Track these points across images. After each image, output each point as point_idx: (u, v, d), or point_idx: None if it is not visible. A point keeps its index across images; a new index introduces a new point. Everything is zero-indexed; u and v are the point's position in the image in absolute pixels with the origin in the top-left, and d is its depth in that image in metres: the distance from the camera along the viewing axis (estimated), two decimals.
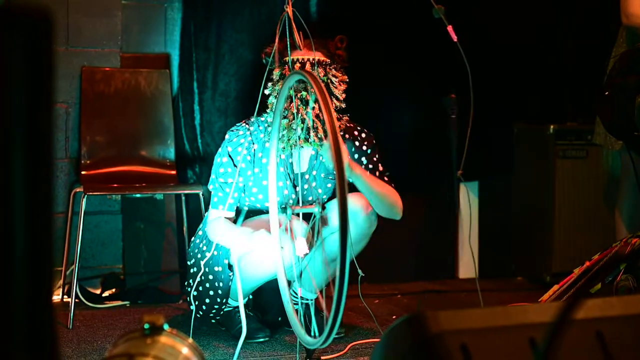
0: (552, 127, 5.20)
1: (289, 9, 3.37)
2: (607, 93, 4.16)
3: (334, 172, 3.44)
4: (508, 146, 5.47)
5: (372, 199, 3.74)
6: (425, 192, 5.34)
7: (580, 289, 1.30)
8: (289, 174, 3.86)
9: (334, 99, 3.73)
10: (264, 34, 4.97)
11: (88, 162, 4.72)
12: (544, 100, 5.54)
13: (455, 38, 3.42)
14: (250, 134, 3.86)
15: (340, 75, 3.79)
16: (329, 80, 3.75)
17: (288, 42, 3.48)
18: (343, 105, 3.79)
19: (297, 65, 3.71)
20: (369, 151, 3.93)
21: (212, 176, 3.95)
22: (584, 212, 5.23)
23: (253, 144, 3.85)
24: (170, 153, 4.87)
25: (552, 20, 5.57)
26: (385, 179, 3.90)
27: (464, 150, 3.55)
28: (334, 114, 3.00)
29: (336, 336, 3.80)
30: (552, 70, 5.58)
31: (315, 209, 3.53)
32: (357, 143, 3.93)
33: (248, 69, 5.01)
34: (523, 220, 5.45)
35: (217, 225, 3.81)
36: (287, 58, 3.65)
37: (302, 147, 3.73)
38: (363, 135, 3.95)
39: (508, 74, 5.44)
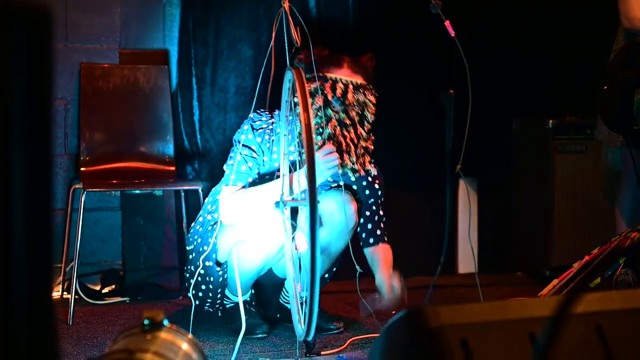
0: (551, 121, 5.21)
1: (286, 5, 3.38)
2: (605, 87, 4.16)
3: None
4: (507, 141, 5.47)
5: (370, 263, 3.89)
6: (425, 188, 5.34)
7: (579, 283, 1.31)
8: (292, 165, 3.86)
9: (365, 122, 3.73)
10: (262, 30, 4.99)
11: (87, 158, 4.72)
12: (542, 94, 5.55)
13: (453, 33, 3.42)
14: (272, 123, 3.84)
15: (373, 98, 3.77)
16: (364, 104, 3.72)
17: (285, 40, 3.47)
18: (370, 147, 3.77)
19: (339, 86, 3.68)
20: (379, 193, 3.94)
21: (233, 152, 3.83)
22: (583, 207, 5.23)
23: (272, 132, 3.82)
24: (169, 149, 4.87)
25: (550, 15, 5.57)
26: (382, 225, 3.95)
27: (462, 145, 3.55)
28: (310, 110, 3.04)
29: (335, 331, 3.82)
30: (550, 64, 5.58)
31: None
32: (369, 179, 3.93)
33: (247, 65, 5.01)
34: (522, 215, 5.46)
35: (238, 195, 3.72)
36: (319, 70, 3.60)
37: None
38: (375, 172, 3.94)
39: (506, 69, 5.45)
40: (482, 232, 5.55)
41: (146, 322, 1.88)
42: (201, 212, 4.01)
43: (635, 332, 2.02)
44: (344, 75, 3.72)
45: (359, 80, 3.73)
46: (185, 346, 1.90)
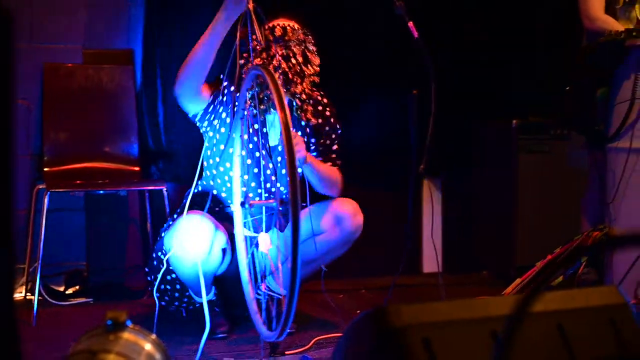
0: (514, 121, 5.24)
1: (250, 5, 3.38)
2: (568, 88, 4.20)
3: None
4: (471, 141, 5.50)
5: (313, 180, 3.82)
6: (389, 188, 5.36)
7: (538, 282, 1.32)
8: (265, 144, 3.87)
9: (310, 65, 3.84)
10: (229, 31, 4.98)
11: (50, 158, 4.69)
12: (506, 95, 5.58)
13: (416, 34, 3.44)
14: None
15: (314, 48, 3.90)
16: (304, 42, 3.85)
17: (250, 40, 3.48)
18: (317, 80, 3.87)
19: (278, 28, 3.83)
20: (332, 120, 3.99)
21: None
22: (547, 206, 5.26)
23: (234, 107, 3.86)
24: (134, 149, 4.85)
25: (517, 17, 5.60)
26: (333, 156, 3.99)
27: (426, 146, 3.57)
28: (287, 109, 3.04)
29: (289, 331, 3.82)
30: (515, 65, 5.61)
31: (273, 203, 3.56)
32: (320, 107, 3.98)
33: (212, 65, 5.00)
34: (487, 215, 5.49)
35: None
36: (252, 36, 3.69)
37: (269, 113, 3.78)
38: (326, 100, 4.02)
39: (471, 69, 5.47)
40: (446, 232, 5.58)
41: (109, 322, 1.88)
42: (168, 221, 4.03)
43: (595, 330, 2.05)
44: (280, 21, 3.89)
45: (294, 24, 3.89)
46: (148, 346, 1.89)
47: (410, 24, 3.48)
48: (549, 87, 5.23)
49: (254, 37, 3.48)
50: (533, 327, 1.90)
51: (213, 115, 3.86)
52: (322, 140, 3.98)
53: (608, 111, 4.08)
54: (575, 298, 2.09)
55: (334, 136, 4.00)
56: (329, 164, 3.95)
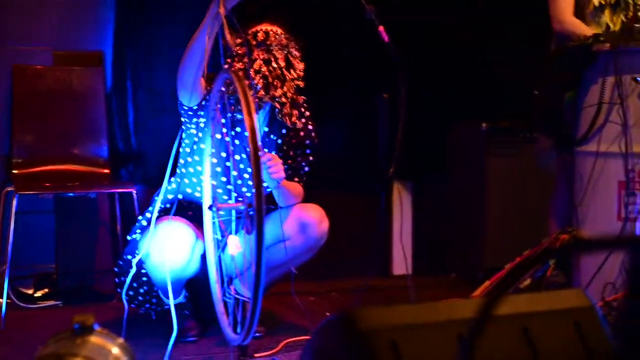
0: (484, 125, 5.26)
1: (222, 11, 3.38)
2: (537, 92, 4.23)
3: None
4: (441, 144, 5.52)
5: (278, 198, 3.86)
6: (359, 191, 5.37)
7: (502, 285, 1.33)
8: (244, 147, 3.87)
9: (292, 69, 3.88)
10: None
11: (20, 160, 4.66)
12: (477, 98, 5.60)
13: (386, 39, 3.45)
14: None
15: (298, 54, 3.93)
16: (287, 46, 3.88)
17: (220, 43, 3.48)
18: (301, 84, 3.89)
19: (261, 33, 3.88)
20: (313, 135, 4.00)
21: None
22: (516, 208, 5.29)
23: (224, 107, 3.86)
24: (104, 151, 4.84)
25: (487, 19, 5.63)
26: (302, 173, 4.00)
27: (396, 149, 3.58)
28: (254, 114, 3.05)
29: (257, 335, 3.82)
30: (485, 69, 5.64)
31: (241, 207, 3.56)
32: (303, 120, 3.98)
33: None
34: (457, 217, 5.51)
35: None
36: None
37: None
38: (308, 113, 4.02)
39: (441, 73, 5.50)
40: (417, 234, 5.59)
41: (76, 326, 1.87)
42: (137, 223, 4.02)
43: (561, 333, 2.06)
44: (263, 26, 3.93)
45: (277, 29, 3.92)
46: (115, 350, 1.89)
47: (381, 28, 3.49)
48: (518, 91, 5.25)
49: (223, 42, 3.48)
50: (499, 330, 1.91)
51: (202, 112, 3.87)
52: (297, 157, 3.98)
53: (576, 115, 4.11)
54: (541, 301, 2.10)
55: (311, 158, 4.01)
56: (296, 179, 3.97)
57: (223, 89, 3.56)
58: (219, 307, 3.51)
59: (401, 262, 5.47)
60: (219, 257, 3.63)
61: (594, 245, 2.11)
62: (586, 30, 4.25)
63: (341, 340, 1.87)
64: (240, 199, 3.85)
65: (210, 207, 3.58)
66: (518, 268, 3.56)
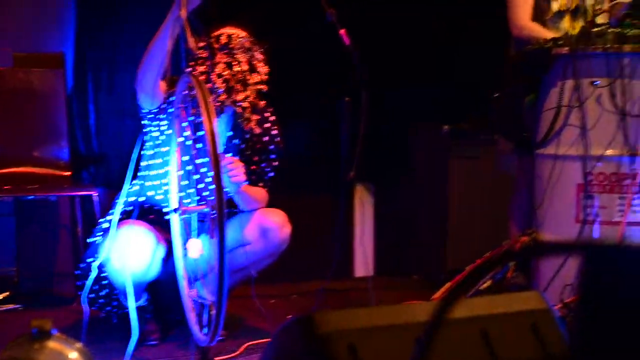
0: (445, 127, 5.29)
1: (183, 13, 3.37)
2: (496, 96, 4.26)
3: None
4: (403, 147, 5.54)
5: (240, 203, 3.86)
6: (322, 194, 5.38)
7: (456, 288, 1.34)
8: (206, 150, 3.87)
9: (256, 72, 3.89)
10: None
11: None
12: (438, 101, 5.63)
13: (347, 42, 3.46)
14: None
15: (262, 57, 3.93)
16: (250, 49, 3.88)
17: (182, 46, 3.48)
18: (264, 88, 3.90)
19: (223, 37, 3.87)
20: (277, 140, 4.01)
21: None
22: (477, 211, 5.33)
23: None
24: (65, 154, 4.81)
25: (448, 24, 5.66)
26: (266, 178, 4.01)
27: (358, 152, 3.60)
28: (213, 118, 3.05)
29: (220, 338, 3.81)
30: (446, 71, 5.67)
31: (205, 209, 3.56)
32: (267, 125, 4.00)
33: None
34: (419, 219, 5.54)
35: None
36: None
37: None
38: (274, 117, 4.03)
39: (403, 76, 5.52)
40: (379, 236, 5.61)
41: (34, 330, 1.86)
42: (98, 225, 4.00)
43: (518, 336, 2.08)
44: (226, 29, 3.93)
45: (241, 32, 3.93)
46: (74, 355, 1.89)
47: (342, 31, 3.50)
48: (480, 94, 5.29)
49: (185, 45, 3.48)
50: (457, 333, 1.92)
51: (163, 115, 3.86)
52: (261, 163, 3.99)
53: (535, 118, 4.14)
54: (499, 304, 2.11)
55: (275, 164, 4.01)
56: (260, 184, 3.97)
57: (185, 92, 3.55)
58: (188, 307, 3.49)
59: (363, 263, 5.49)
60: (181, 258, 3.63)
61: (551, 249, 2.14)
62: (545, 33, 4.29)
63: (300, 343, 1.87)
64: (202, 202, 3.85)
65: (175, 210, 3.57)
66: (476, 271, 3.58)
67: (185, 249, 3.57)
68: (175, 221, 3.61)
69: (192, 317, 3.43)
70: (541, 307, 2.17)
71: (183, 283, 3.58)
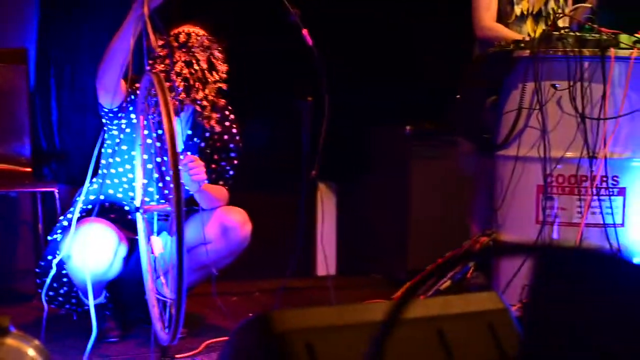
0: (408, 128, 5.32)
1: (145, 10, 3.36)
2: (458, 97, 4.29)
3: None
4: (365, 146, 5.56)
5: (201, 202, 3.83)
6: (283, 192, 5.39)
7: (412, 288, 1.36)
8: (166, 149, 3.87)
9: (214, 71, 3.88)
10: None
11: None
12: (400, 101, 5.65)
13: (310, 42, 3.47)
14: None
15: (221, 56, 3.93)
16: (208, 48, 3.88)
17: (144, 43, 3.46)
18: (224, 86, 3.89)
19: (182, 35, 3.88)
20: (237, 138, 4.01)
21: None
22: (439, 211, 5.35)
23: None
24: (26, 150, 4.78)
25: (410, 23, 5.68)
26: (227, 176, 4.01)
27: (320, 151, 3.61)
28: (172, 117, 3.05)
29: (180, 336, 3.81)
30: (409, 72, 5.69)
31: (168, 208, 3.56)
32: (227, 123, 3.99)
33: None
34: (380, 219, 5.56)
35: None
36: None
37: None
38: (233, 116, 4.02)
39: (365, 76, 5.54)
40: (341, 235, 5.63)
41: None
42: (58, 223, 3.98)
43: (475, 336, 2.10)
44: (185, 27, 3.93)
45: (200, 30, 3.93)
46: (31, 352, 1.88)
47: (305, 31, 3.51)
48: (443, 94, 5.32)
49: (146, 43, 3.46)
50: (413, 332, 1.94)
51: (123, 114, 3.84)
52: (221, 161, 3.99)
53: (497, 120, 4.18)
54: (455, 304, 2.13)
55: (235, 162, 4.01)
56: (221, 182, 3.97)
57: (147, 90, 3.55)
58: (152, 302, 3.48)
59: (324, 262, 5.50)
60: (147, 257, 3.62)
61: (510, 250, 2.16)
62: (509, 34, 4.33)
63: (257, 341, 1.88)
64: (162, 200, 3.85)
65: (137, 209, 3.56)
66: (433, 272, 3.61)
67: (149, 246, 3.57)
68: (139, 219, 3.61)
69: (155, 312, 3.44)
70: (498, 307, 2.19)
71: (147, 279, 3.57)
